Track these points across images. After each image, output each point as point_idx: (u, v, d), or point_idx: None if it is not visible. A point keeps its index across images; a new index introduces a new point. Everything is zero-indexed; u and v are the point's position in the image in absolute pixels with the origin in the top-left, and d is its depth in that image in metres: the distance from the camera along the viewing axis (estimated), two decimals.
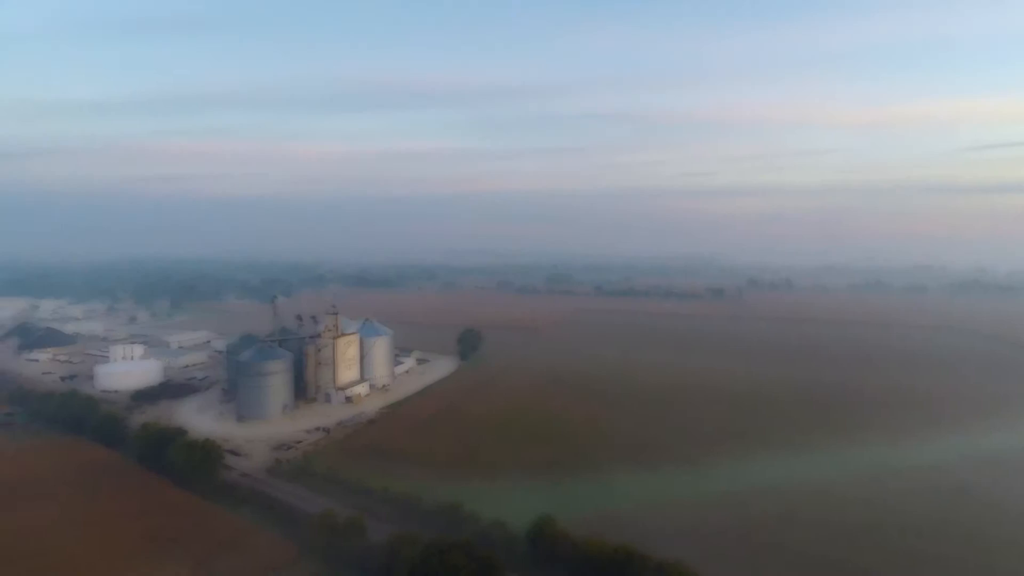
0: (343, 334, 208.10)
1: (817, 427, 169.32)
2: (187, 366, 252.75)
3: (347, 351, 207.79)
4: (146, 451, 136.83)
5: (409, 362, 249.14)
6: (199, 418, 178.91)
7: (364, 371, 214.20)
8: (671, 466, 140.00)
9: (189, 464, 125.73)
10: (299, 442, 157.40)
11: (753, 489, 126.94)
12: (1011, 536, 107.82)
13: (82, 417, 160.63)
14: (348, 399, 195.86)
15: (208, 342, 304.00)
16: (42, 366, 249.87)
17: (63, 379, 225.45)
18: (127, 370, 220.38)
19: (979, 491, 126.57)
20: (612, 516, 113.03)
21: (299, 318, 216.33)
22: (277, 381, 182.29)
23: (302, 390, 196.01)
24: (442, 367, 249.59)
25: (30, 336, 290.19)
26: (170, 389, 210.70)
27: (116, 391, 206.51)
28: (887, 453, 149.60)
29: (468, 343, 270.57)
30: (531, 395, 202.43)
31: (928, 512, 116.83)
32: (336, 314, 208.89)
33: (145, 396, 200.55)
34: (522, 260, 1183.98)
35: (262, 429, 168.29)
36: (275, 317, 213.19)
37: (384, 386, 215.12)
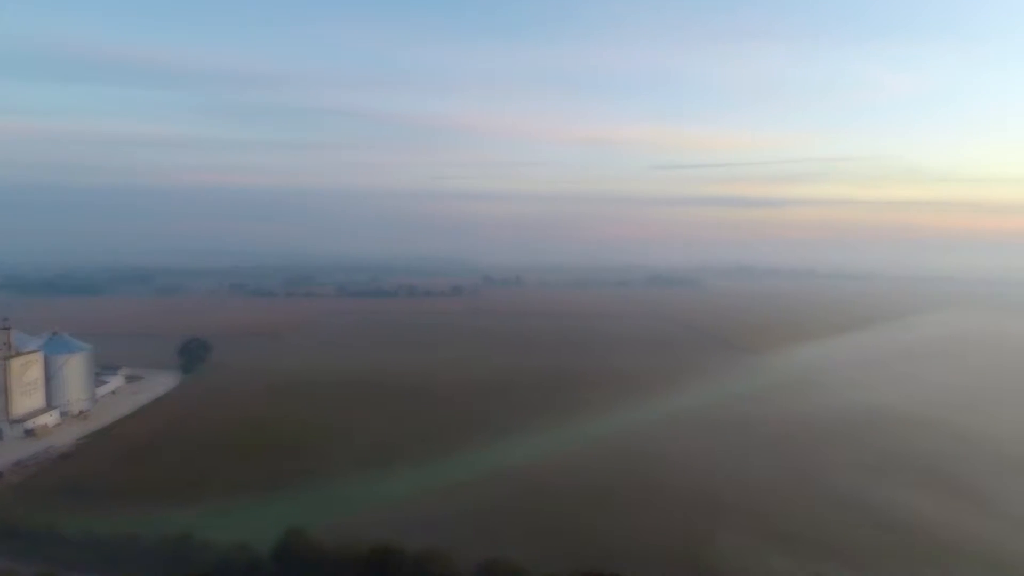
0: (19, 353, 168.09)
1: (548, 409, 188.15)
2: None
3: (25, 373, 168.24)
4: None
5: (116, 381, 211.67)
6: None
7: (52, 396, 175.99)
8: (417, 461, 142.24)
9: None
10: None
11: (497, 471, 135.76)
12: (694, 483, 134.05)
13: None
14: (29, 432, 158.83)
15: None
16: None
17: None
18: None
19: (677, 448, 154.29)
20: (362, 518, 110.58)
21: None
22: None
23: None
24: (160, 383, 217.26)
25: None
26: None
27: None
28: (607, 424, 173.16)
29: (193, 354, 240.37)
30: (266, 406, 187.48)
31: (640, 470, 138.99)
32: (8, 328, 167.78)
33: None
34: (259, 260, 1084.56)
35: None
36: None
37: (81, 412, 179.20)
